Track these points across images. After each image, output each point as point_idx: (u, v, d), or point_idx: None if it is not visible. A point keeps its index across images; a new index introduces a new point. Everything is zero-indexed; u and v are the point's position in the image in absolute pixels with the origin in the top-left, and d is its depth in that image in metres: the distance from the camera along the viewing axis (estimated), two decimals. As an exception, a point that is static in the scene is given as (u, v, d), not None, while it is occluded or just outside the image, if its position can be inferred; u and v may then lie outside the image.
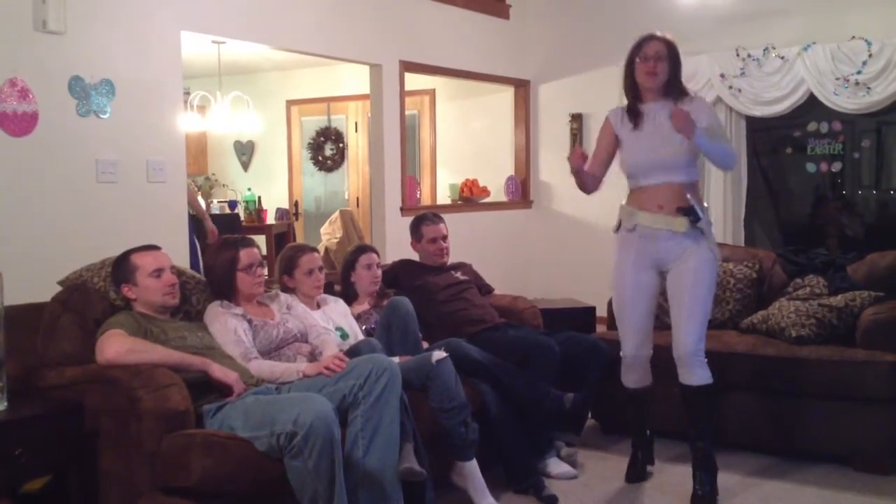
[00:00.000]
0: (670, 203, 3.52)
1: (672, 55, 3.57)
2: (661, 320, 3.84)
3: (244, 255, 3.47)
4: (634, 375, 3.79)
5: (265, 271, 3.62)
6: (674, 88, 3.59)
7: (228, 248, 3.50)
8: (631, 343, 3.72)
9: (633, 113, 3.63)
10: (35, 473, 2.89)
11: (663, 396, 3.86)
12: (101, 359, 2.99)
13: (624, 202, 3.71)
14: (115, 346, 2.98)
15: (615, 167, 3.74)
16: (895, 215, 6.79)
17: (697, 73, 6.70)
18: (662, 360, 3.71)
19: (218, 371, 3.04)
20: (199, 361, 3.05)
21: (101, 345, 3.01)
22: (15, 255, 4.00)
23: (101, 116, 4.44)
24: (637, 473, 3.86)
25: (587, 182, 3.68)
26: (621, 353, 3.78)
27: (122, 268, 3.27)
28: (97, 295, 3.26)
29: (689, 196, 3.49)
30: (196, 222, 6.08)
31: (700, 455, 3.57)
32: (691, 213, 3.48)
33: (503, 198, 7.87)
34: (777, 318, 4.26)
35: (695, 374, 3.52)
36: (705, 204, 3.62)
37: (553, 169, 7.81)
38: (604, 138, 3.74)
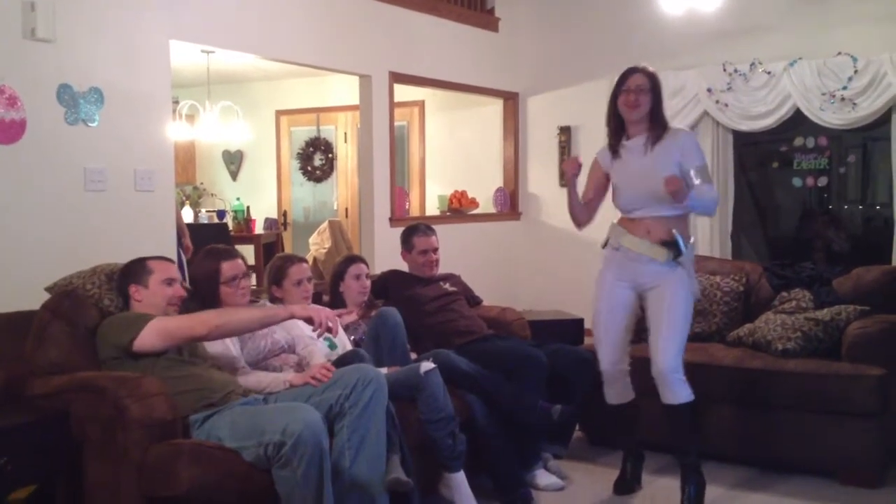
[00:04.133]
0: (657, 231, 3.56)
1: (654, 87, 3.61)
2: (641, 336, 3.84)
3: (227, 268, 3.46)
4: (614, 391, 3.80)
5: (251, 282, 3.61)
6: (656, 120, 3.63)
7: (211, 259, 3.49)
8: (607, 358, 3.74)
9: (616, 149, 3.67)
10: (21, 482, 2.88)
11: (651, 409, 3.86)
12: (203, 328, 2.99)
13: (615, 221, 3.74)
14: (203, 316, 3.03)
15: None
16: (880, 230, 6.83)
17: (685, 87, 6.75)
18: (646, 374, 3.71)
19: (299, 311, 3.13)
20: (282, 310, 3.17)
21: (187, 323, 3.03)
22: (1, 264, 3.99)
23: (90, 125, 4.43)
24: (626, 485, 3.86)
25: (578, 213, 3.74)
26: (600, 368, 3.79)
27: (136, 268, 3.27)
28: (88, 301, 3.25)
29: (674, 231, 3.53)
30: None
31: (688, 470, 3.58)
32: (674, 248, 3.52)
33: (492, 209, 7.88)
34: (763, 332, 4.28)
35: (674, 392, 3.54)
36: (692, 239, 3.65)
37: (542, 181, 7.84)
38: (593, 177, 3.80)
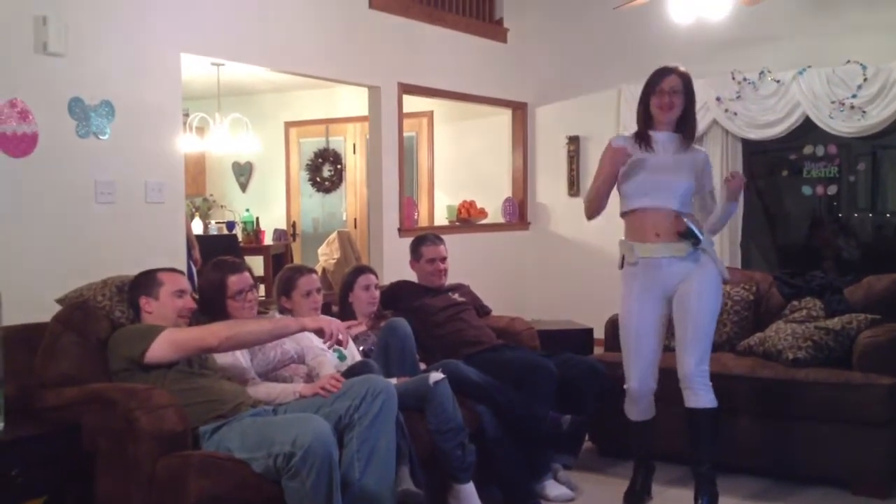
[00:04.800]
0: (667, 230, 3.54)
1: (687, 89, 3.60)
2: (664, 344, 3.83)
3: (233, 282, 3.46)
4: (638, 409, 3.76)
5: (258, 294, 3.61)
6: (687, 123, 3.64)
7: (217, 273, 3.49)
8: (636, 375, 3.68)
9: (643, 139, 3.65)
10: (32, 494, 2.87)
11: (664, 420, 3.85)
12: (214, 340, 3.01)
13: (623, 237, 3.72)
14: (214, 327, 3.04)
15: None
16: (891, 238, 6.80)
17: (694, 96, 6.74)
18: (663, 384, 3.70)
19: (310, 323, 3.15)
20: (292, 321, 3.19)
21: (198, 334, 3.04)
22: (13, 276, 4.01)
23: (101, 137, 4.46)
24: (636, 496, 3.84)
25: (604, 200, 3.64)
26: (625, 386, 3.75)
27: (146, 281, 3.28)
28: (100, 313, 3.26)
29: (685, 219, 3.51)
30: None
31: (702, 480, 3.55)
32: (691, 236, 3.50)
33: (501, 219, 7.89)
34: (774, 341, 4.27)
35: (700, 396, 3.52)
36: (702, 227, 3.64)
37: (550, 191, 7.84)
38: (607, 154, 3.74)
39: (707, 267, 3.55)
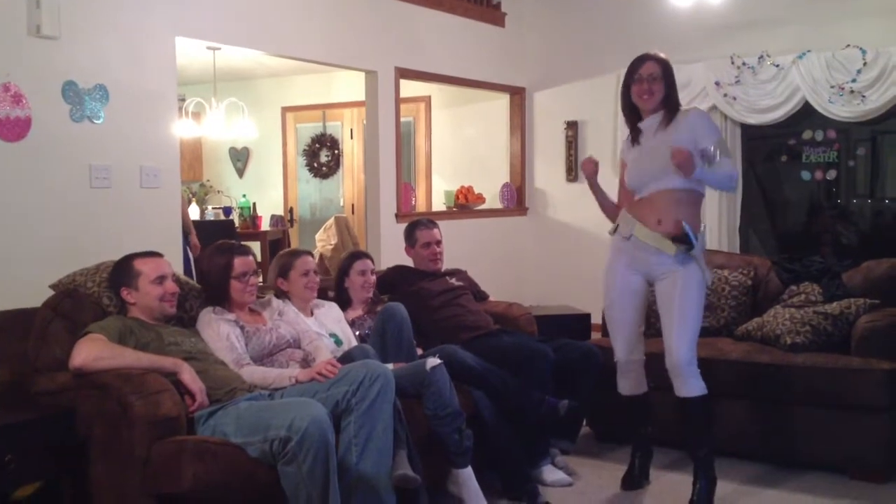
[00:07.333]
0: (668, 221, 3.52)
1: (666, 73, 3.59)
2: (656, 327, 3.83)
3: (238, 264, 3.45)
4: (628, 382, 3.79)
5: (258, 280, 3.61)
6: (670, 104, 3.61)
7: (224, 254, 3.49)
8: (621, 347, 3.73)
9: (633, 131, 3.67)
10: (26, 479, 2.88)
11: (660, 404, 3.85)
12: (70, 364, 2.94)
13: (626, 209, 3.71)
14: (84, 352, 2.93)
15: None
16: (890, 224, 6.78)
17: (692, 80, 6.71)
18: (659, 367, 3.70)
19: (187, 375, 2.99)
20: (171, 363, 3.00)
21: (74, 349, 2.96)
22: (7, 261, 3.99)
23: (95, 122, 4.42)
24: (634, 481, 3.84)
25: (610, 212, 3.76)
26: (615, 359, 3.78)
27: (123, 272, 3.25)
28: (89, 300, 3.25)
29: (684, 223, 3.49)
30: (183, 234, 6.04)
31: (700, 464, 3.56)
32: (685, 242, 3.48)
33: (498, 205, 7.86)
34: (772, 326, 4.26)
35: (689, 385, 3.52)
36: (703, 225, 3.62)
37: (548, 176, 7.81)
38: (622, 175, 3.79)
39: (692, 270, 3.53)
